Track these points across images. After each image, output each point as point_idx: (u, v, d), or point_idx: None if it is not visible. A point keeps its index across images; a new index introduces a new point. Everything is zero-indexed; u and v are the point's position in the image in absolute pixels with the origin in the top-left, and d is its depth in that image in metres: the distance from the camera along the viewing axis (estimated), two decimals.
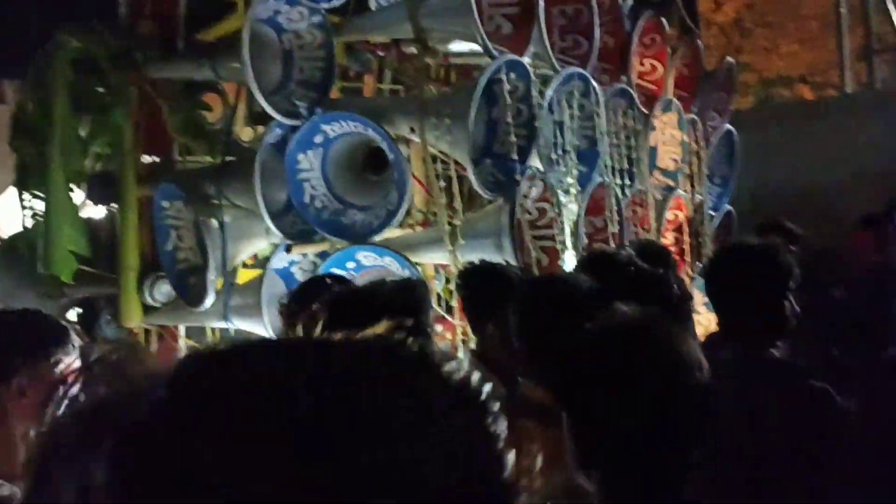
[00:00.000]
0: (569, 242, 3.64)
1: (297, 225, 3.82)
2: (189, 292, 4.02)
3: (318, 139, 3.75)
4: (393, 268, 3.81)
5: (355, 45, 4.14)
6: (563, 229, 3.58)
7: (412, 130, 3.54)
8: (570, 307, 1.71)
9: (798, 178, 10.18)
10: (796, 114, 11.01)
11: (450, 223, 3.53)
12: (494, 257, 3.30)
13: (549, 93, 3.63)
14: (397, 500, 0.42)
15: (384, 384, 0.45)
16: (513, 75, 3.45)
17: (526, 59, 3.53)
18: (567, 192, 3.70)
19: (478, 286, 2.80)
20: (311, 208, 3.78)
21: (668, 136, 4.60)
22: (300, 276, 3.93)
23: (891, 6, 11.56)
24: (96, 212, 4.59)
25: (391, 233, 3.79)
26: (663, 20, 4.56)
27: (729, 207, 5.29)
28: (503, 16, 3.55)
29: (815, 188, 9.87)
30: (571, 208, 3.72)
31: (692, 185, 4.80)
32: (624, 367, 1.21)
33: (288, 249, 3.71)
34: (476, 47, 3.65)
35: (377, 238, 3.74)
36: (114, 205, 4.31)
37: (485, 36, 3.30)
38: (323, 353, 0.47)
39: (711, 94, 5.13)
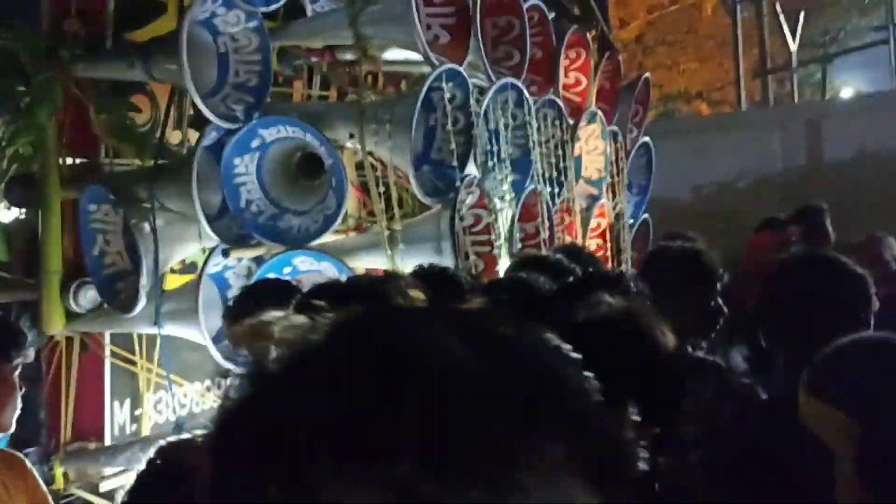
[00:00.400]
0: (504, 248, 3.75)
1: (232, 229, 3.79)
2: (117, 298, 3.92)
3: (255, 143, 3.74)
4: (330, 272, 3.82)
5: (288, 49, 4.15)
6: (498, 235, 3.68)
7: (351, 136, 3.58)
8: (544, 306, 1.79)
9: (699, 189, 10.72)
10: (696, 128, 11.59)
11: (389, 228, 3.58)
12: (433, 262, 3.38)
13: (485, 102, 3.73)
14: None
15: (543, 344, 0.51)
16: (451, 84, 3.54)
17: (463, 69, 3.63)
18: (502, 198, 3.80)
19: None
20: (247, 213, 3.76)
21: (591, 146, 4.78)
22: (235, 282, 3.90)
23: (785, 28, 12.33)
24: (9, 215, 4.41)
25: (327, 238, 3.81)
26: (588, 35, 4.75)
27: (646, 216, 5.54)
28: (441, 25, 3.64)
29: (714, 198, 10.42)
30: (506, 215, 3.83)
31: (613, 194, 5.01)
32: (614, 357, 1.29)
33: (225, 254, 3.67)
34: (411, 55, 3.73)
35: (314, 243, 3.75)
36: (33, 208, 4.15)
37: (426, 45, 3.38)
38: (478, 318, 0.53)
39: (629, 107, 5.36)
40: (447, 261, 3.45)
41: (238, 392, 0.51)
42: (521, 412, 0.47)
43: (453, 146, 3.58)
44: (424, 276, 2.97)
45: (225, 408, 0.52)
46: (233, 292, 3.98)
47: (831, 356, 1.43)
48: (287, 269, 3.81)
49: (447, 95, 3.47)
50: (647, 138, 5.49)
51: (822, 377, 1.40)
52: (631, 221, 5.34)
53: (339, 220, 3.70)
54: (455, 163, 3.61)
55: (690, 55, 17.39)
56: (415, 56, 3.77)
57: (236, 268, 3.96)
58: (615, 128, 5.02)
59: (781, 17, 12.20)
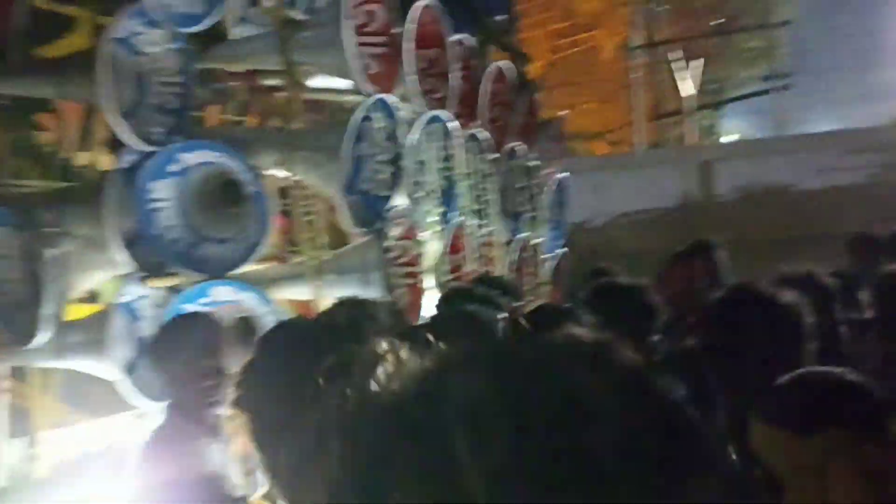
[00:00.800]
0: (431, 280, 3.72)
1: (147, 257, 3.60)
2: (16, 328, 3.65)
3: (174, 168, 3.58)
4: (250, 303, 3.69)
5: (207, 72, 4.03)
6: (430, 268, 3.65)
7: (278, 163, 3.48)
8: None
9: (601, 224, 11.04)
10: (595, 167, 11.96)
11: (315, 258, 3.49)
12: (361, 293, 3.31)
13: (415, 133, 3.71)
14: None
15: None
16: (381, 114, 3.51)
17: (392, 99, 3.60)
18: (429, 230, 3.78)
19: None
20: (163, 240, 3.58)
21: (510, 180, 4.83)
22: (148, 312, 3.70)
23: (677, 74, 12.96)
24: None
25: (248, 267, 3.68)
26: (508, 71, 4.83)
27: (563, 249, 5.63)
28: (371, 55, 3.61)
29: (614, 234, 10.75)
30: (433, 246, 3.80)
31: (531, 228, 5.07)
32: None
33: (141, 283, 3.48)
34: (339, 83, 3.69)
35: (235, 272, 3.61)
36: None
37: (359, 73, 3.34)
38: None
39: (546, 143, 5.46)
40: (375, 292, 3.38)
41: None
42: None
43: (383, 176, 3.54)
44: (350, 306, 2.90)
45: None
46: (144, 324, 3.78)
47: (788, 386, 1.47)
48: (205, 300, 3.64)
49: (377, 125, 3.43)
50: (562, 174, 5.60)
51: (782, 405, 1.44)
52: (548, 255, 5.41)
53: (263, 249, 3.58)
54: (383, 193, 3.57)
55: (590, 96, 18.02)
56: (340, 84, 3.73)
57: (149, 298, 3.77)
58: (534, 162, 5.10)
59: (676, 65, 12.82)
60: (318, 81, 3.65)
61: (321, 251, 3.52)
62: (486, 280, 3.29)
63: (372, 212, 3.53)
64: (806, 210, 10.66)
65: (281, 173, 3.53)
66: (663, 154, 12.26)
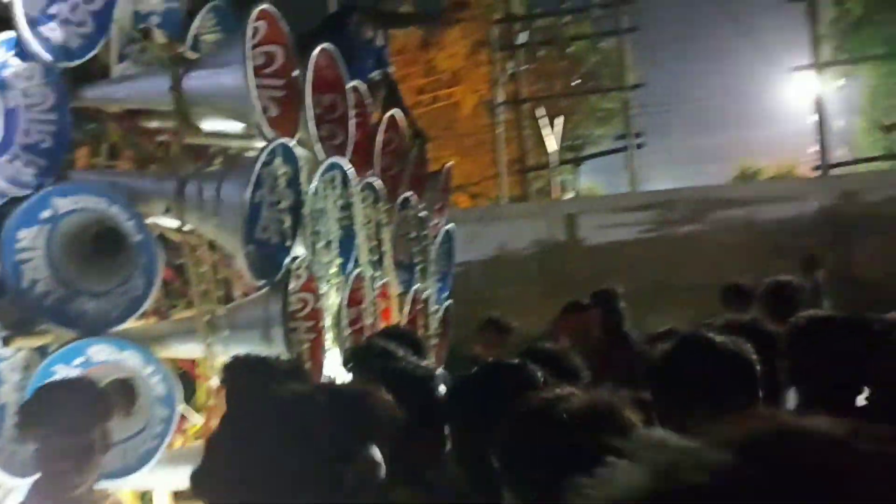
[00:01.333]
0: (331, 334, 3.53)
1: (13, 313, 3.21)
2: None
3: (46, 214, 3.24)
4: (132, 363, 3.36)
5: (80, 111, 3.70)
6: (332, 322, 3.47)
7: (168, 211, 3.22)
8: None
9: (466, 276, 11.12)
10: (459, 219, 12.03)
11: (207, 312, 3.23)
12: (260, 350, 3.09)
13: (315, 181, 3.55)
14: None
15: None
16: (282, 159, 3.33)
17: (293, 144, 3.44)
18: (329, 282, 3.60)
19: (243, 382, 2.58)
20: (31, 293, 3.21)
21: (403, 231, 4.74)
22: (9, 376, 3.29)
23: (543, 129, 13.44)
24: None
25: (130, 324, 3.35)
26: (401, 120, 4.77)
27: (449, 301, 5.56)
28: (270, 98, 3.43)
29: (482, 285, 10.84)
30: (333, 299, 3.62)
31: (422, 279, 4.97)
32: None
33: (5, 342, 3.09)
34: (234, 126, 3.48)
35: (116, 329, 3.28)
36: None
37: (262, 117, 3.16)
38: None
39: (434, 194, 5.42)
40: (277, 349, 3.16)
41: None
42: None
43: (283, 224, 3.34)
44: (233, 367, 2.68)
45: None
46: (5, 389, 3.36)
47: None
48: (79, 360, 3.28)
49: (279, 172, 3.25)
50: (450, 225, 5.57)
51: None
52: (437, 307, 5.32)
53: (148, 303, 3.28)
54: (283, 242, 3.37)
55: (452, 150, 18.34)
56: (234, 127, 3.53)
57: (12, 360, 3.35)
58: (424, 213, 5.03)
59: (540, 121, 13.29)
60: (211, 124, 3.42)
61: (215, 305, 3.26)
62: (393, 334, 3.14)
63: (271, 263, 3.32)
64: (658, 261, 11.19)
65: (171, 221, 3.26)
66: (535, 207, 12.62)
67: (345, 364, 2.83)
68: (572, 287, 10.98)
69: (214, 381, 3.25)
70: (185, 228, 3.23)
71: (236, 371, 2.72)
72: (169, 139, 3.40)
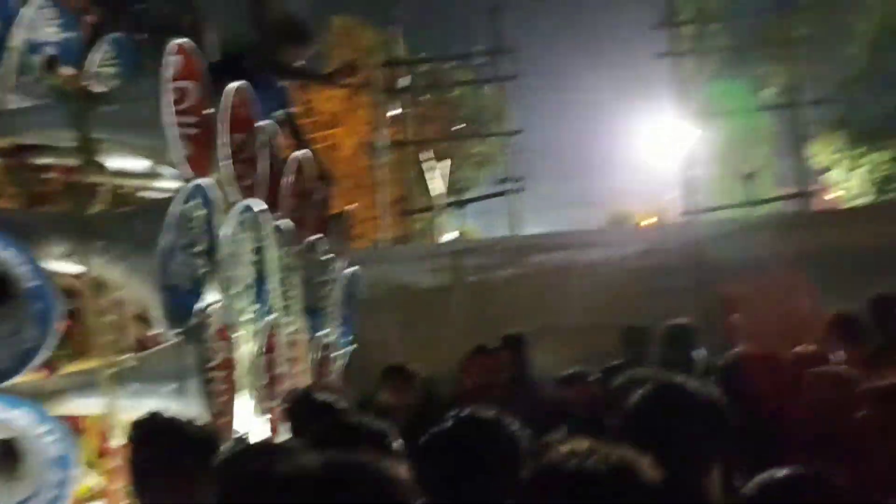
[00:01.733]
0: (245, 384, 3.34)
1: None
2: None
3: None
4: (22, 422, 3.04)
5: None
6: (244, 372, 3.28)
7: (69, 255, 2.97)
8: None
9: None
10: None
11: (112, 365, 2.98)
12: (173, 405, 2.88)
13: (230, 223, 3.38)
14: None
15: None
16: (198, 200, 3.16)
17: (209, 184, 3.27)
18: (243, 329, 3.42)
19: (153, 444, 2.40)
20: None
21: (310, 275, 4.59)
22: None
23: (429, 172, 13.54)
24: None
25: (21, 378, 3.04)
26: (307, 161, 4.65)
27: (352, 347, 5.42)
28: (183, 135, 3.25)
29: (363, 329, 10.67)
30: (247, 347, 3.44)
31: (328, 325, 4.83)
32: None
33: None
34: (141, 164, 3.28)
35: (4, 384, 2.96)
36: None
37: (178, 155, 2.98)
38: None
39: (337, 236, 5.30)
40: (192, 404, 2.95)
41: None
42: None
43: (196, 269, 3.15)
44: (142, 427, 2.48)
45: None
46: None
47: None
48: None
49: (198, 213, 3.07)
50: (354, 268, 5.45)
51: None
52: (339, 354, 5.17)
53: (43, 355, 2.98)
54: (195, 288, 3.18)
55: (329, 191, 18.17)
56: (141, 165, 3.32)
57: None
58: (329, 256, 4.90)
59: (425, 165, 13.40)
60: (118, 162, 3.20)
61: (121, 356, 3.01)
62: (316, 388, 3.01)
63: (185, 310, 3.11)
64: (539, 303, 11.41)
65: (72, 266, 3.01)
66: (418, 249, 12.62)
67: (284, 419, 2.67)
68: (457, 329, 11.05)
69: (117, 440, 2.99)
70: (89, 274, 2.98)
71: (147, 431, 2.52)
72: (59, 177, 3.15)
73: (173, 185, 3.12)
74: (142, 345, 3.23)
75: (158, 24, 3.94)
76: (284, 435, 3.00)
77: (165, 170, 3.17)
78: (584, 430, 1.72)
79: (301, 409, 2.45)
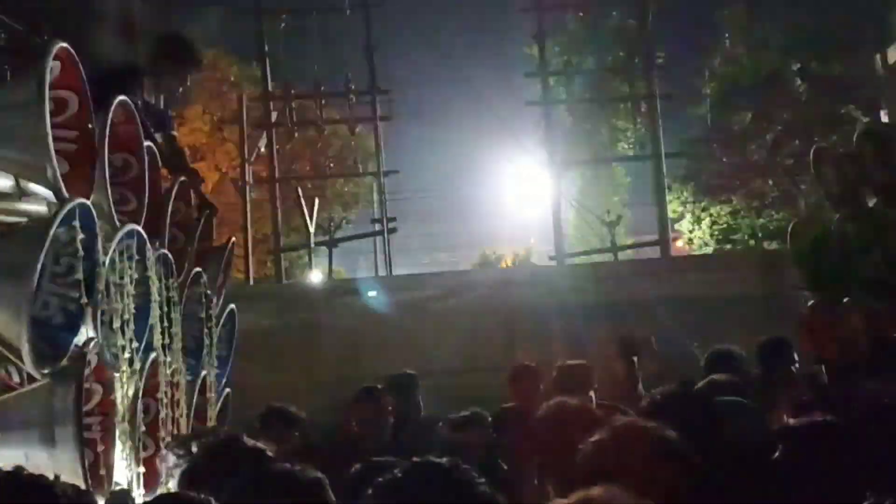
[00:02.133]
0: (125, 429, 2.99)
1: None
2: None
3: None
4: None
5: None
6: (121, 416, 2.93)
7: None
8: None
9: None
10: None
11: None
12: (41, 454, 2.52)
13: (111, 250, 3.05)
14: None
15: None
16: (76, 224, 2.82)
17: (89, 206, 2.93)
18: (122, 368, 3.07)
19: None
20: None
21: (191, 310, 4.25)
22: None
23: (305, 207, 13.15)
24: None
25: None
26: (190, 188, 4.34)
27: (228, 389, 5.06)
28: (59, 152, 2.91)
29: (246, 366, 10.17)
30: (126, 389, 3.09)
31: (207, 365, 4.48)
32: None
33: None
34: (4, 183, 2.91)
35: None
36: None
37: (57, 172, 2.65)
38: None
39: (217, 270, 4.97)
40: (63, 454, 2.58)
41: None
42: None
43: (70, 301, 2.81)
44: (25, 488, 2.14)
45: None
46: None
47: None
48: None
49: (75, 237, 2.74)
50: (231, 305, 5.11)
51: None
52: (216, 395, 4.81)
53: None
54: (69, 323, 2.82)
55: None
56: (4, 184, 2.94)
57: None
58: (209, 291, 4.57)
59: (296, 202, 13.05)
60: None
61: None
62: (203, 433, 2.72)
63: (57, 346, 2.75)
64: (411, 345, 11.28)
65: None
66: (286, 287, 12.22)
67: (195, 468, 2.36)
68: (328, 370, 10.70)
69: None
70: None
71: (7, 490, 2.16)
72: None
73: (42, 207, 2.77)
74: (6, 386, 2.82)
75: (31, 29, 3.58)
76: (171, 486, 2.68)
77: (38, 188, 2.81)
78: (481, 474, 1.61)
79: (218, 457, 2.17)
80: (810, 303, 4.70)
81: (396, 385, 5.01)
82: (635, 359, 5.34)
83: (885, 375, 3.71)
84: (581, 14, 17.01)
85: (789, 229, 4.92)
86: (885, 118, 18.41)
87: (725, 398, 2.85)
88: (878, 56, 20.03)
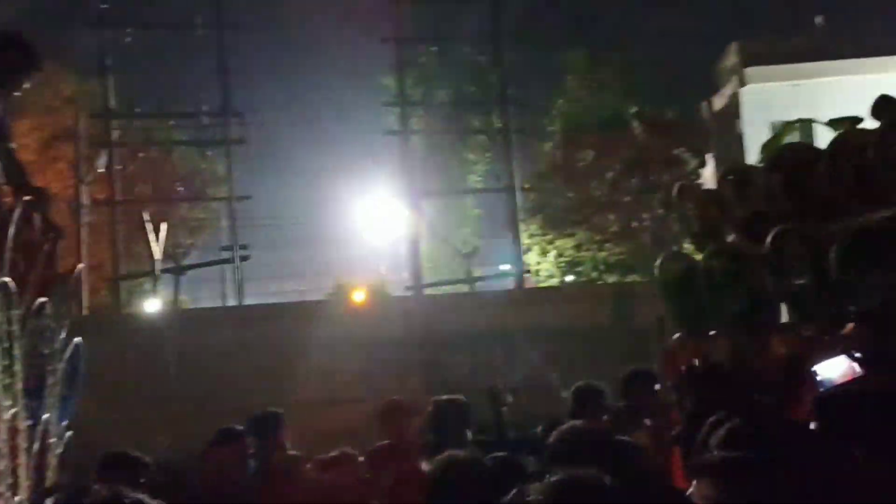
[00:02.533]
0: None
1: None
2: None
3: None
4: None
5: None
6: None
7: None
8: None
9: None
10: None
11: None
12: None
13: None
14: None
15: None
16: None
17: None
18: None
19: None
20: None
21: (33, 345, 3.81)
22: None
23: (151, 236, 12.40)
24: None
25: None
26: (35, 209, 3.91)
27: (70, 433, 4.56)
28: None
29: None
30: None
31: (50, 407, 4.02)
32: None
33: None
34: None
35: None
36: None
37: None
38: None
39: (61, 300, 4.49)
40: None
41: None
42: None
43: None
44: None
45: None
46: None
47: None
48: None
49: None
50: (77, 339, 4.62)
51: None
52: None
53: None
54: None
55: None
56: None
57: None
58: (54, 324, 4.11)
59: (143, 227, 12.31)
60: None
61: None
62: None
63: None
64: (264, 377, 10.87)
65: None
66: (129, 319, 11.44)
67: None
68: (172, 407, 10.06)
69: None
70: None
71: None
72: None
73: None
74: None
75: None
76: None
77: None
78: None
79: None
80: (676, 335, 4.87)
81: (259, 425, 4.70)
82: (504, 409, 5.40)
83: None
84: (435, 48, 17.28)
85: (657, 264, 5.09)
86: (711, 160, 19.91)
87: (619, 437, 2.84)
88: (704, 103, 21.72)
